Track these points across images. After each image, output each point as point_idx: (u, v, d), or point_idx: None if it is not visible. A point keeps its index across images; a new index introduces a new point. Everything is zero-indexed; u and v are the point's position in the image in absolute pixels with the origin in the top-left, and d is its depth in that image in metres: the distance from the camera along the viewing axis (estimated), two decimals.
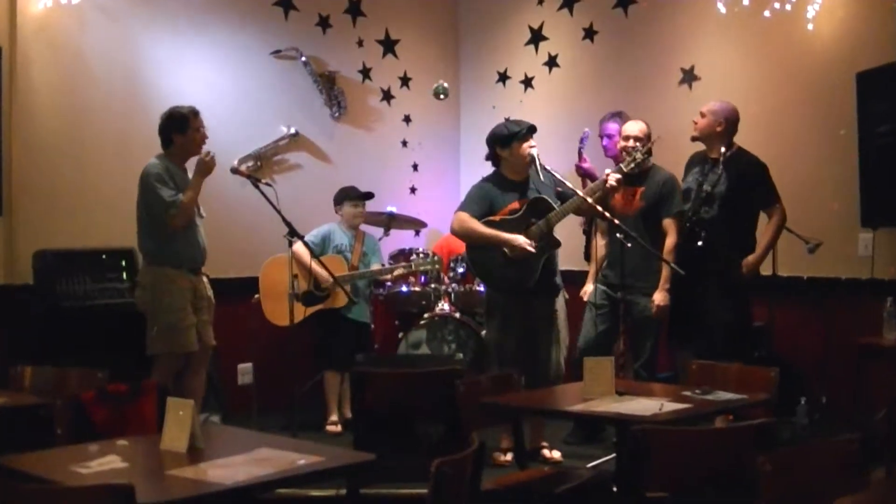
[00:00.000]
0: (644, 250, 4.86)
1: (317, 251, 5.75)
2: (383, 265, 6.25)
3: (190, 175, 5.04)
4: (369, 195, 6.25)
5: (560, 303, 5.25)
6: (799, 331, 5.60)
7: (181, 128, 4.96)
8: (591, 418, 4.28)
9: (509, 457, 4.94)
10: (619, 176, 4.90)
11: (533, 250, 4.85)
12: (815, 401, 5.40)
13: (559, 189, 5.01)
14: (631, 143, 5.18)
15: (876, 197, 5.19)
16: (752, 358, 4.92)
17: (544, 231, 4.92)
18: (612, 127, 5.74)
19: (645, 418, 3.32)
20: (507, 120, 5.35)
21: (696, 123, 5.13)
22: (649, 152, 5.12)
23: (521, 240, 4.86)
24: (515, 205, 5.00)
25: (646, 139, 5.17)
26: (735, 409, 3.81)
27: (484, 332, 5.23)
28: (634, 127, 5.27)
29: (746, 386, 3.83)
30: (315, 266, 5.73)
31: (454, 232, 5.11)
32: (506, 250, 4.91)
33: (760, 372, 3.95)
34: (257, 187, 4.99)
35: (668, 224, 5.10)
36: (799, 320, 5.62)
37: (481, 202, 5.02)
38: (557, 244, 4.99)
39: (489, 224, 4.96)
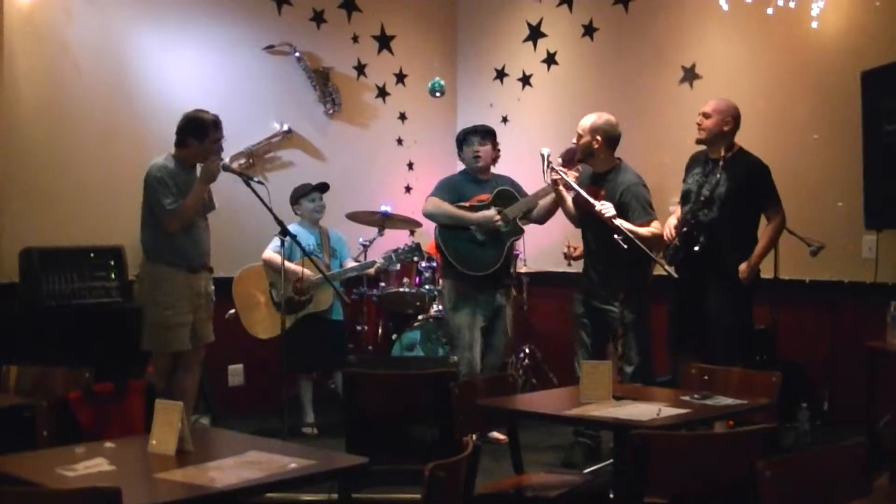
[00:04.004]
0: (610, 257, 4.82)
1: (285, 255, 5.60)
2: (357, 259, 6.13)
3: (196, 174, 4.98)
4: (323, 186, 6.07)
5: (511, 297, 5.73)
6: (801, 334, 5.54)
7: (199, 136, 4.91)
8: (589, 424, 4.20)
9: None
10: (556, 177, 5.02)
11: (500, 220, 5.36)
12: (818, 406, 5.32)
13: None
14: (574, 139, 5.11)
15: (880, 198, 5.13)
16: (754, 362, 4.84)
17: (509, 218, 5.41)
18: None
19: (643, 423, 3.27)
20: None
21: (700, 125, 4.97)
22: (587, 149, 5.00)
23: (489, 213, 5.40)
24: (484, 196, 5.50)
25: (588, 135, 5.00)
26: (735, 415, 3.74)
27: (446, 319, 5.65)
28: (583, 121, 5.07)
29: (747, 390, 3.79)
30: (295, 267, 5.66)
31: (426, 212, 5.64)
32: (473, 228, 5.40)
33: (762, 376, 3.89)
34: (249, 185, 4.92)
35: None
36: (801, 324, 5.56)
37: (450, 191, 5.55)
38: (520, 231, 5.48)
39: (460, 209, 5.47)
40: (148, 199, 4.91)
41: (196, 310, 4.96)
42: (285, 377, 5.30)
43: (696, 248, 4.85)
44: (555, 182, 5.07)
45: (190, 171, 4.98)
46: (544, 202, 5.43)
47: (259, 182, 5.01)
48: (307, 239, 5.96)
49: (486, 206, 5.46)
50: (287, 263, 5.55)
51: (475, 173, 5.59)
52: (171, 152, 4.98)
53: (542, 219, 5.54)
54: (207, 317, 5.08)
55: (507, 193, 5.50)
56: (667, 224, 5.08)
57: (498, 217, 5.40)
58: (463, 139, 5.64)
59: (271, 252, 5.73)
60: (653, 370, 5.09)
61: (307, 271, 5.67)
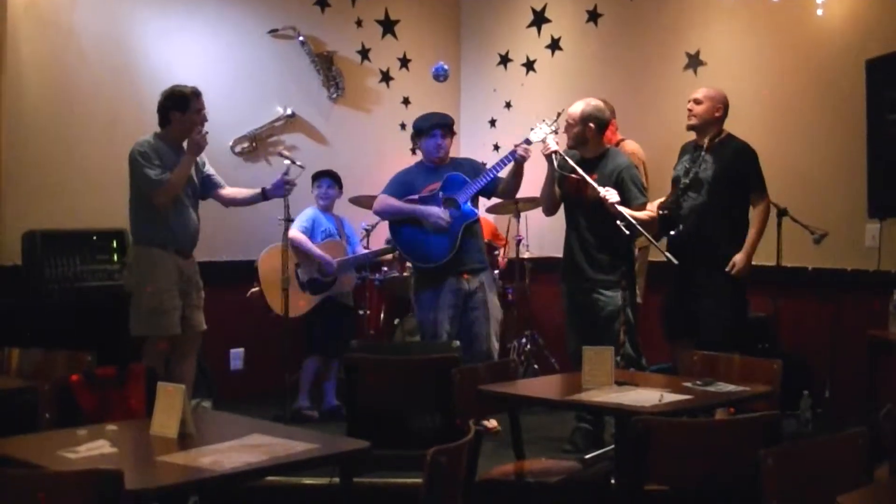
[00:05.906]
0: (605, 245, 4.82)
1: (308, 235, 5.70)
2: (367, 247, 6.26)
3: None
4: (327, 173, 6.09)
5: (487, 280, 5.41)
6: (803, 323, 5.54)
7: (181, 107, 4.87)
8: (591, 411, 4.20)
9: None
10: (526, 146, 5.12)
11: (447, 218, 5.24)
12: (819, 394, 5.32)
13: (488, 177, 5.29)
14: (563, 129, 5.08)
15: (884, 187, 5.11)
16: (755, 350, 4.82)
17: (459, 203, 5.27)
18: None
19: (645, 409, 3.27)
20: (427, 114, 5.66)
21: (691, 111, 4.97)
22: (581, 137, 4.94)
23: (435, 210, 5.27)
24: (435, 185, 5.36)
25: (581, 124, 4.94)
26: (737, 402, 3.74)
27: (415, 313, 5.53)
28: (573, 109, 5.02)
29: (749, 378, 3.79)
30: (318, 251, 5.74)
31: (375, 211, 5.58)
32: (423, 222, 5.27)
33: (763, 364, 3.89)
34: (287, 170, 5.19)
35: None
36: (804, 312, 5.55)
37: (401, 185, 5.45)
38: (471, 214, 5.29)
39: (409, 202, 5.35)
40: (134, 177, 4.83)
41: (185, 296, 4.90)
42: (287, 361, 5.32)
43: (673, 233, 4.83)
44: (569, 178, 4.96)
45: (176, 150, 4.92)
46: (505, 176, 5.31)
47: (300, 167, 5.32)
48: (327, 223, 6.05)
49: (435, 196, 5.31)
50: (311, 247, 5.73)
51: (435, 163, 5.44)
52: (155, 131, 4.91)
53: (508, 192, 5.40)
54: (198, 304, 5.00)
55: (457, 180, 5.33)
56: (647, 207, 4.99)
57: (444, 213, 5.24)
58: (426, 130, 5.42)
59: (297, 231, 5.74)
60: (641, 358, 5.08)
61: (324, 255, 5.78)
